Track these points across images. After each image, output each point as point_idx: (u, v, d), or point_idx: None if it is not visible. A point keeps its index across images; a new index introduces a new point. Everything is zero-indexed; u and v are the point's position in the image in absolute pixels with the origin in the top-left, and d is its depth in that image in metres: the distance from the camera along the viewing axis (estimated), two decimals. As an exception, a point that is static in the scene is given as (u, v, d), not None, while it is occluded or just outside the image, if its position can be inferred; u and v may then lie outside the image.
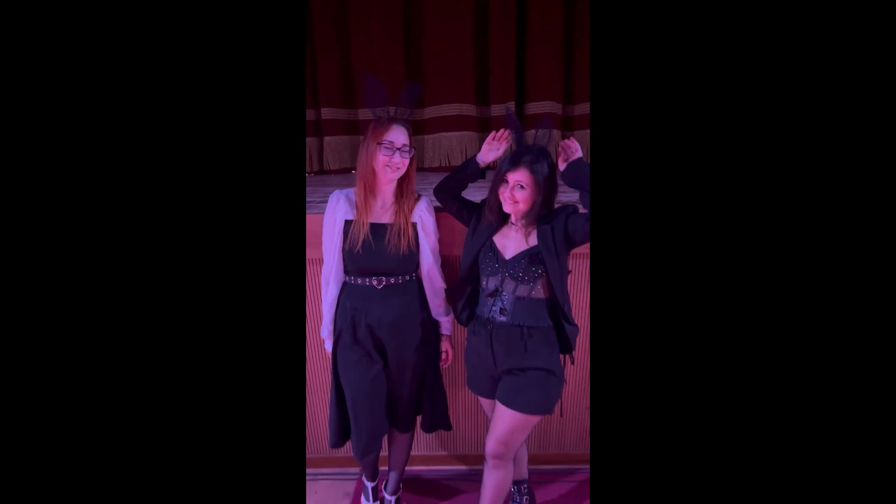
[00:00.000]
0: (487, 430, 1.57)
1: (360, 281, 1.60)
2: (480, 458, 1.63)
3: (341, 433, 1.71)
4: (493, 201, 1.51)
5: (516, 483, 1.81)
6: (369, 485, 1.92)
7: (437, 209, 1.70)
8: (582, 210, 1.46)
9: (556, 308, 1.49)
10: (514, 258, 1.48)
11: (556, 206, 1.51)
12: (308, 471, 2.16)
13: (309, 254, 1.81)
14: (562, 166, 1.47)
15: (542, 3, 2.75)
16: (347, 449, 2.08)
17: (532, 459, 2.03)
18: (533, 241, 1.47)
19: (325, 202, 1.66)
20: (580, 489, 2.05)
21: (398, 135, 1.52)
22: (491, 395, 1.59)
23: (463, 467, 2.18)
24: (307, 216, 1.78)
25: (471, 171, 1.61)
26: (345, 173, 2.88)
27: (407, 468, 1.95)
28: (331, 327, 1.67)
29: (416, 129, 2.84)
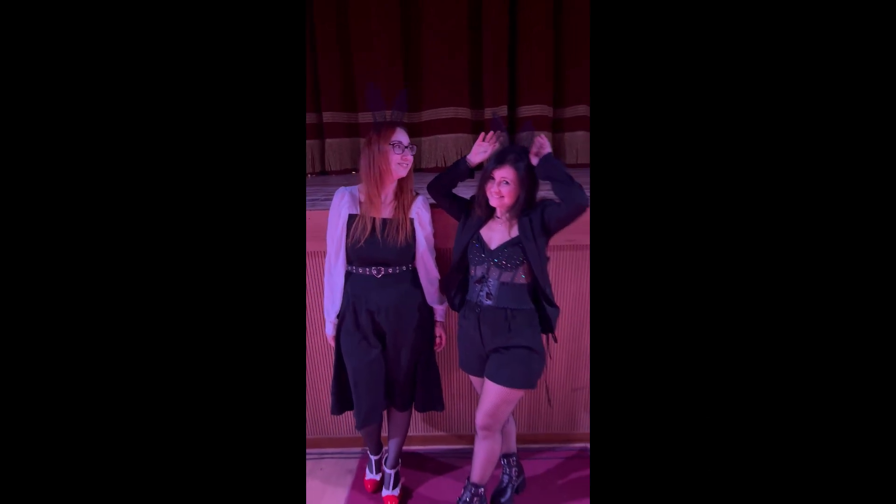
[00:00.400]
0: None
1: (361, 270, 1.76)
2: (473, 438, 1.79)
3: (341, 403, 1.89)
4: (481, 197, 1.67)
5: (506, 456, 1.97)
6: (373, 458, 2.09)
7: (432, 205, 1.87)
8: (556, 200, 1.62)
9: (538, 291, 1.65)
10: (499, 248, 1.65)
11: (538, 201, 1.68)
12: (315, 450, 2.32)
13: (314, 247, 1.97)
14: (534, 161, 1.63)
15: (533, 13, 2.90)
16: (350, 430, 2.26)
17: (522, 439, 2.19)
18: (515, 232, 1.64)
19: (328, 200, 1.83)
20: (565, 465, 2.21)
21: (402, 135, 1.70)
22: (480, 374, 1.75)
23: (457, 446, 2.34)
24: (312, 212, 1.95)
25: (461, 170, 1.77)
26: (345, 174, 3.02)
27: (405, 447, 2.11)
28: (334, 312, 1.83)
29: (414, 132, 2.97)
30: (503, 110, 2.99)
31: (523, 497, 2.01)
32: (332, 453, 2.32)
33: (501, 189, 1.60)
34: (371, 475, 2.09)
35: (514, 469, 1.99)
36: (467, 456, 1.85)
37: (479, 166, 1.78)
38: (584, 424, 2.34)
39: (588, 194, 1.50)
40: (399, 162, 1.69)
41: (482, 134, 1.74)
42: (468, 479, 1.80)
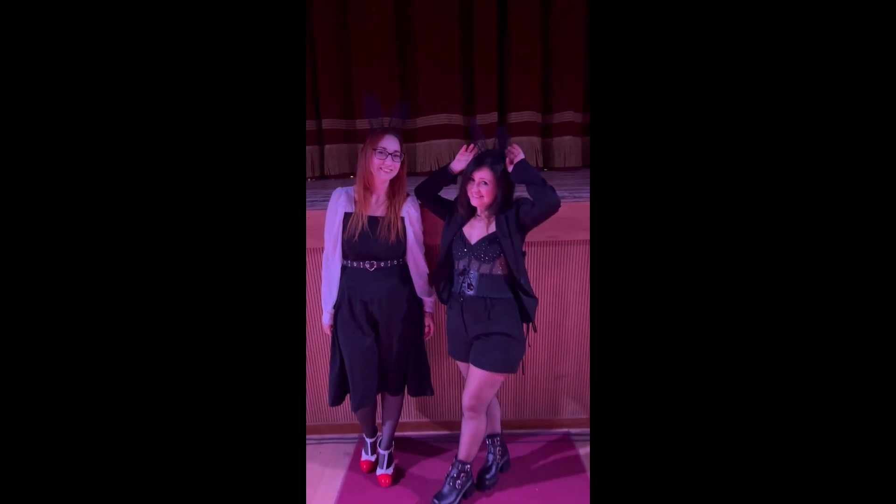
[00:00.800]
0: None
1: (355, 264, 1.93)
2: (461, 423, 1.95)
3: (339, 394, 2.05)
4: (463, 197, 1.85)
5: (490, 436, 2.13)
6: (368, 441, 2.24)
7: (422, 206, 2.03)
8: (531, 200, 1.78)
9: (515, 282, 1.81)
10: (478, 243, 1.82)
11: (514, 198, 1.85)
12: (315, 436, 2.48)
13: (314, 244, 2.14)
14: (510, 167, 1.80)
15: (522, 25, 3.06)
16: (347, 416, 2.41)
17: (507, 424, 2.35)
18: (493, 228, 1.81)
19: (327, 201, 2.00)
20: (548, 447, 2.36)
21: (390, 142, 1.86)
22: (466, 359, 1.91)
23: (445, 432, 2.50)
24: (312, 212, 2.11)
25: (445, 176, 1.95)
26: (343, 178, 3.18)
27: (398, 433, 2.27)
28: (331, 303, 1.99)
29: (409, 137, 3.13)
30: (494, 117, 3.15)
31: (507, 476, 2.17)
32: (330, 439, 2.48)
33: (481, 189, 1.78)
34: (367, 456, 2.25)
35: (498, 449, 2.15)
36: (456, 440, 2.00)
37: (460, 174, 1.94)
38: (566, 411, 2.50)
39: (559, 196, 1.70)
40: (380, 167, 1.84)
41: (464, 146, 1.92)
42: (455, 456, 1.96)
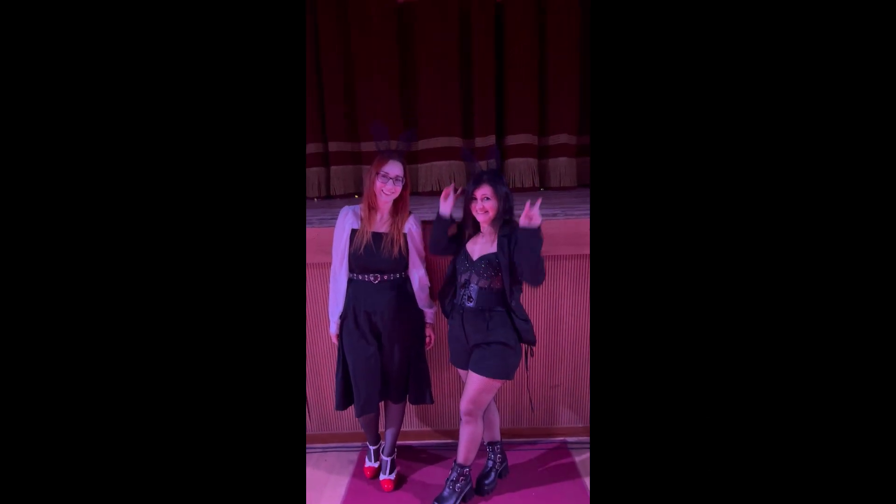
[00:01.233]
0: (463, 397, 2.00)
1: (361, 277, 2.06)
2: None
3: (344, 400, 2.16)
4: (468, 216, 1.99)
5: (490, 444, 2.22)
6: (371, 448, 2.34)
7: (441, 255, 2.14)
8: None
9: (506, 302, 1.94)
10: (479, 259, 1.96)
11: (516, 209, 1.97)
12: (319, 445, 2.57)
13: (321, 259, 2.26)
14: (523, 222, 1.81)
15: (519, 51, 3.23)
16: (351, 425, 2.50)
17: (506, 433, 2.44)
18: (494, 248, 1.94)
19: (333, 219, 2.14)
20: (546, 455, 2.45)
21: (393, 168, 2.00)
22: (466, 367, 2.02)
23: (447, 440, 2.59)
24: (319, 230, 2.25)
25: (442, 223, 2.05)
26: (348, 198, 3.31)
27: (400, 441, 2.37)
28: (337, 313, 2.11)
29: (411, 159, 3.27)
30: (492, 139, 3.30)
31: (506, 481, 2.26)
32: (335, 447, 2.58)
33: (485, 205, 1.91)
34: (370, 463, 2.34)
35: (498, 455, 2.24)
36: (455, 449, 2.10)
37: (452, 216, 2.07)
38: (563, 419, 2.59)
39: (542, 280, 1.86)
40: (382, 189, 1.99)
41: (444, 190, 2.04)
42: (455, 460, 2.06)
